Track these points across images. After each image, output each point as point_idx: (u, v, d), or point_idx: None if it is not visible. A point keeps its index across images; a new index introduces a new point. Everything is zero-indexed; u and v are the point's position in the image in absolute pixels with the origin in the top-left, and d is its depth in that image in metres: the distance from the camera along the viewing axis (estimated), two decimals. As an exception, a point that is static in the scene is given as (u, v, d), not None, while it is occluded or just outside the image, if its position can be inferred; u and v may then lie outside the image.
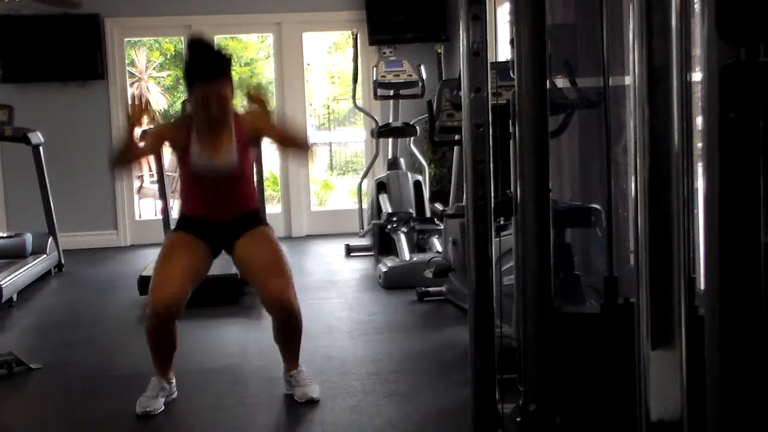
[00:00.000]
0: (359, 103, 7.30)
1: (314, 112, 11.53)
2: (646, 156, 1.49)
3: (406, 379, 3.73)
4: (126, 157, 3.32)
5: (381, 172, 7.06)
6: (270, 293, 3.28)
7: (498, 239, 2.43)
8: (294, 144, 3.43)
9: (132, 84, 11.41)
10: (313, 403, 3.38)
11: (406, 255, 5.82)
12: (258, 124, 3.39)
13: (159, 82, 13.33)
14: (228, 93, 3.28)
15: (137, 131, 3.30)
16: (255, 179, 3.69)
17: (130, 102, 3.33)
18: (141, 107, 3.31)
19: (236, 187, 3.42)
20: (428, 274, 5.04)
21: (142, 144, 3.36)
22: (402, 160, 6.89)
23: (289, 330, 3.42)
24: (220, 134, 3.33)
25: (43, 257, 6.21)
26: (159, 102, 13.18)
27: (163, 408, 3.36)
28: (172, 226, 6.59)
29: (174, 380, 3.50)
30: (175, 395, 3.47)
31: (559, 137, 3.73)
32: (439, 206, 6.53)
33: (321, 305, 5.17)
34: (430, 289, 5.17)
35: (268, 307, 3.34)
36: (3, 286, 5.20)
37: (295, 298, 3.33)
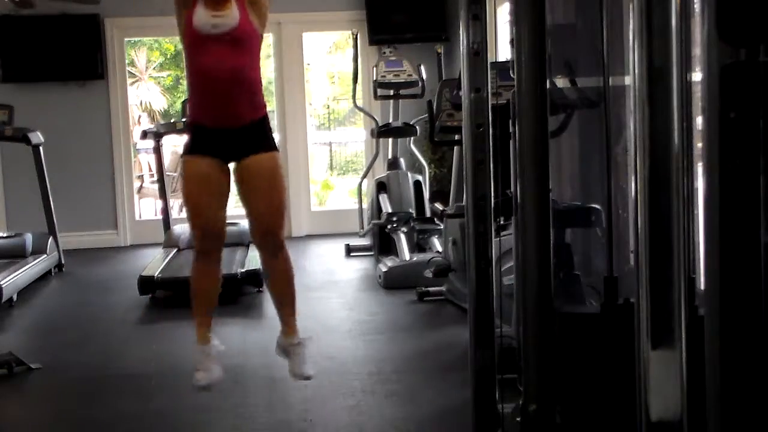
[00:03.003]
0: (359, 103, 7.29)
1: (314, 112, 11.52)
2: (646, 156, 1.50)
3: (406, 379, 3.73)
4: None
5: (381, 172, 7.06)
6: (261, 225, 3.31)
7: (498, 239, 2.43)
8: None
9: (132, 84, 11.40)
10: (306, 380, 3.30)
11: (406, 255, 5.82)
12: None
13: (159, 82, 13.34)
14: None
15: None
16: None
17: None
18: None
19: (243, 77, 3.32)
20: (428, 274, 5.04)
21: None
22: (402, 160, 6.89)
23: (280, 274, 3.35)
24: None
25: (43, 257, 6.21)
26: (159, 102, 13.21)
27: (221, 374, 3.21)
28: (174, 216, 6.55)
29: (214, 338, 3.32)
30: (222, 348, 3.32)
31: (559, 137, 3.73)
32: (439, 206, 6.52)
33: (321, 305, 5.17)
34: (430, 289, 5.17)
35: (258, 239, 3.35)
36: (3, 286, 5.19)
37: (283, 238, 3.35)
